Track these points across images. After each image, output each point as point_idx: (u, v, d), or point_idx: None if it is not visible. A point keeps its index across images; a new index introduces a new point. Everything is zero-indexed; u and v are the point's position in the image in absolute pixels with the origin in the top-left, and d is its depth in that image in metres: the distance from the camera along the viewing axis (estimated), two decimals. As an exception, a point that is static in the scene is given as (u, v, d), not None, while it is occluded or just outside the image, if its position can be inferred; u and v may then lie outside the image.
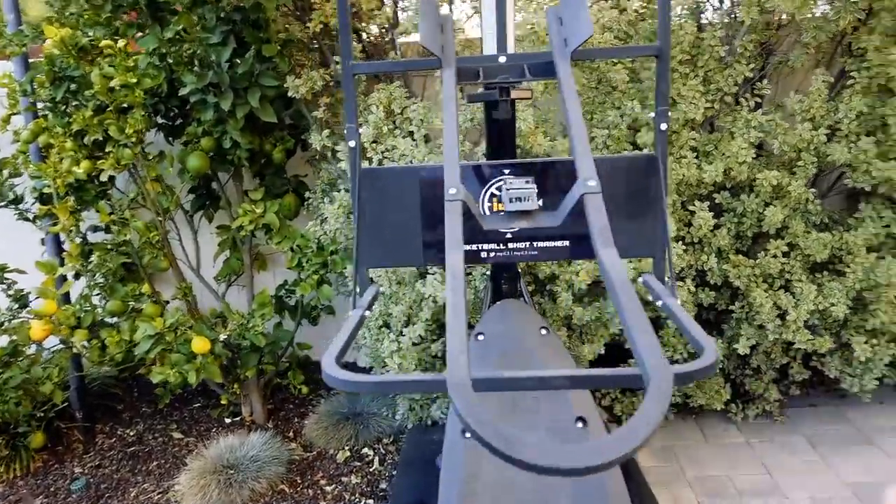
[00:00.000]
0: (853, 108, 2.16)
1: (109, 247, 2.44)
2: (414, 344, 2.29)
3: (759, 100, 2.28)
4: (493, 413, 1.54)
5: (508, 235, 1.20)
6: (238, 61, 2.16)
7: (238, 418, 3.02)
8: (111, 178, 2.32)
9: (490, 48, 1.39)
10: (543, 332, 1.62)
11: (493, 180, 1.20)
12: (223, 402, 2.90)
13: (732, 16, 2.23)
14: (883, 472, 2.29)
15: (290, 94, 2.16)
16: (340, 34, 1.19)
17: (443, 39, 1.14)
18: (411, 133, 2.13)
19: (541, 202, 1.22)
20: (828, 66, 2.39)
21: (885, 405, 2.67)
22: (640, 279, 1.24)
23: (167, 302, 2.74)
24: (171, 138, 2.58)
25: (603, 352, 2.40)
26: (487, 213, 1.15)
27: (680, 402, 2.59)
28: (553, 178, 1.19)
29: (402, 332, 2.31)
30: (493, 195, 1.21)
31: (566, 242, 1.22)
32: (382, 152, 2.12)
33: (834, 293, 2.22)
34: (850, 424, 2.59)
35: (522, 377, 0.72)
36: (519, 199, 0.92)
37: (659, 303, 1.10)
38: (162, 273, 2.80)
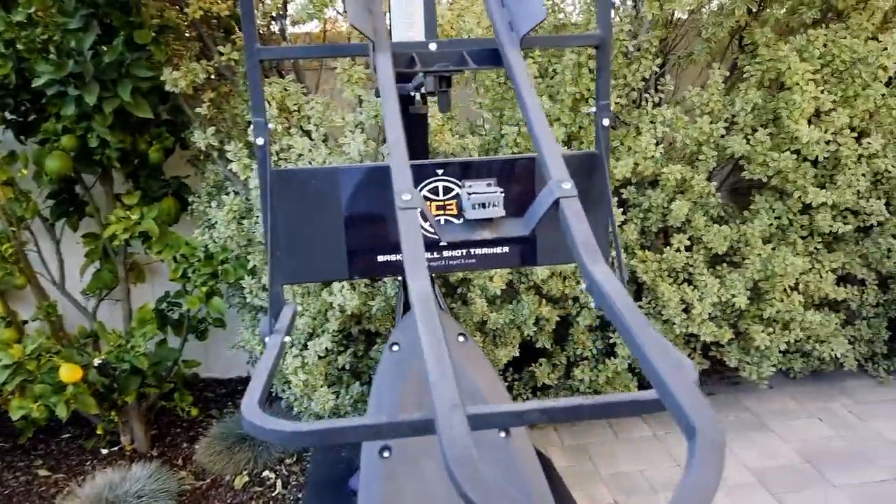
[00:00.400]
0: (749, 101, 2.21)
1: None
2: (320, 357, 2.12)
3: (661, 95, 2.29)
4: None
5: (443, 243, 1.08)
6: (105, 48, 1.88)
7: (116, 448, 2.70)
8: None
9: (401, 34, 1.24)
10: (461, 339, 1.52)
11: (426, 182, 1.07)
12: (98, 431, 2.57)
13: (636, 11, 2.22)
14: (781, 457, 2.38)
15: (167, 87, 1.91)
16: (242, 16, 1.01)
17: (373, 21, 0.98)
18: (308, 132, 1.95)
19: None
20: (722, 60, 2.44)
21: (776, 389, 2.79)
22: (582, 286, 1.16)
23: (25, 322, 2.39)
24: (23, 136, 2.23)
25: (518, 354, 2.34)
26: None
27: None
28: (505, 179, 1.08)
29: (305, 345, 2.13)
30: (426, 199, 1.08)
31: (506, 249, 1.11)
32: (278, 153, 1.92)
33: (735, 285, 2.27)
34: (746, 411, 2.69)
35: (527, 409, 0.60)
36: (483, 205, 0.79)
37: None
38: (19, 290, 2.45)
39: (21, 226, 2.17)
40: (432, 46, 1.10)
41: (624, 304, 0.65)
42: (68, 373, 1.87)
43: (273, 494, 2.43)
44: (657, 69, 2.22)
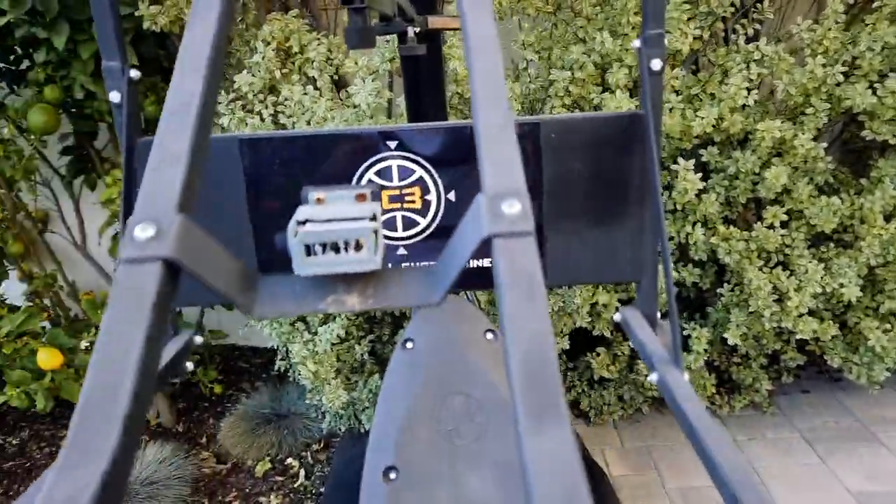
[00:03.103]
0: (877, 38, 1.70)
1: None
2: (333, 345, 1.83)
3: (758, 28, 1.81)
4: (423, 441, 1.14)
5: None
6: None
7: (140, 421, 2.55)
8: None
9: None
10: (490, 336, 1.21)
11: (372, 160, 0.72)
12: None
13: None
14: (893, 478, 1.94)
15: (144, 25, 1.61)
16: None
17: None
18: (313, 79, 1.61)
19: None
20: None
21: (888, 391, 2.31)
22: (617, 316, 0.80)
23: (37, 292, 2.23)
24: (14, 87, 2.01)
25: (568, 346, 1.98)
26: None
27: (657, 395, 2.20)
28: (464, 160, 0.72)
29: (316, 331, 1.84)
30: (380, 187, 0.73)
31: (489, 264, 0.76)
32: (274, 104, 1.60)
33: (844, 272, 1.81)
34: (849, 416, 2.24)
35: None
36: (334, 247, 0.36)
37: (652, 378, 0.66)
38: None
39: (13, 188, 1.97)
40: None
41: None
42: (47, 358, 1.66)
43: (294, 485, 2.21)
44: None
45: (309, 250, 0.36)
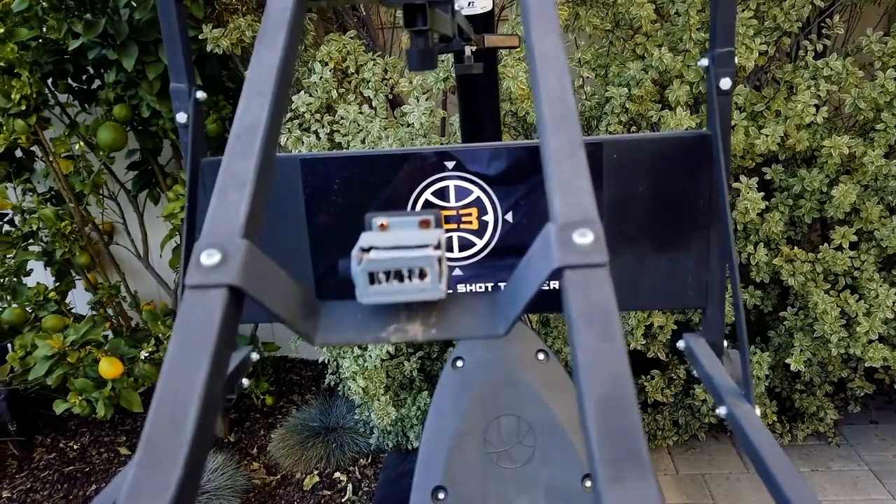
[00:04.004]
0: (955, 52, 1.62)
1: (12, 239, 1.99)
2: (382, 361, 1.84)
3: (826, 43, 1.75)
4: (472, 463, 1.13)
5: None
6: (135, 3, 1.65)
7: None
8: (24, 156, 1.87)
9: None
10: (542, 356, 1.19)
11: (429, 180, 0.72)
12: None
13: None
14: (973, 519, 1.82)
15: (208, 48, 1.65)
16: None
17: None
18: (369, 99, 1.63)
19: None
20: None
21: (967, 423, 2.18)
22: (681, 344, 0.77)
23: (101, 302, 2.30)
24: (86, 105, 2.10)
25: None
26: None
27: (714, 421, 2.12)
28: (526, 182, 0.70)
29: (366, 346, 1.85)
30: (429, 205, 0.73)
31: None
32: (330, 123, 1.62)
33: (919, 297, 1.71)
34: (923, 449, 2.11)
35: None
36: (398, 276, 0.36)
37: (720, 411, 0.63)
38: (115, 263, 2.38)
39: (81, 203, 2.04)
40: None
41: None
42: (108, 367, 1.71)
43: (342, 500, 2.21)
44: (821, 4, 1.68)
45: (373, 278, 0.35)
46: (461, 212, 0.72)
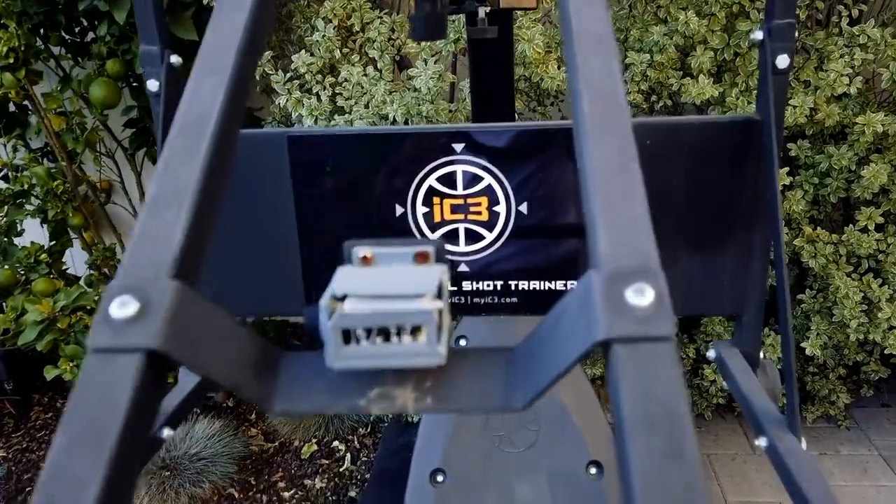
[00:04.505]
0: None
1: (3, 198, 1.92)
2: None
3: (862, 8, 1.63)
4: (472, 446, 1.09)
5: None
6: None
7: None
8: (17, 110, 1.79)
9: None
10: None
11: (434, 164, 0.64)
12: (170, 381, 2.44)
13: None
14: (985, 510, 1.78)
15: (205, 1, 1.55)
16: None
17: None
18: (374, 60, 1.53)
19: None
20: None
21: (982, 410, 2.13)
22: (711, 354, 0.70)
23: (96, 264, 2.24)
24: (79, 59, 2.00)
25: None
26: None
27: (723, 402, 2.07)
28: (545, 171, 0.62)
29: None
30: (430, 198, 0.65)
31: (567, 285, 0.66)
32: (332, 86, 1.53)
33: (946, 283, 1.64)
34: (937, 436, 2.06)
35: None
36: (384, 333, 0.26)
37: (760, 443, 0.56)
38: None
39: (74, 161, 1.97)
40: None
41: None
42: (100, 334, 1.65)
43: (340, 470, 2.19)
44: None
45: (348, 336, 0.27)
46: (469, 200, 0.65)
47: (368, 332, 0.26)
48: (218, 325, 0.25)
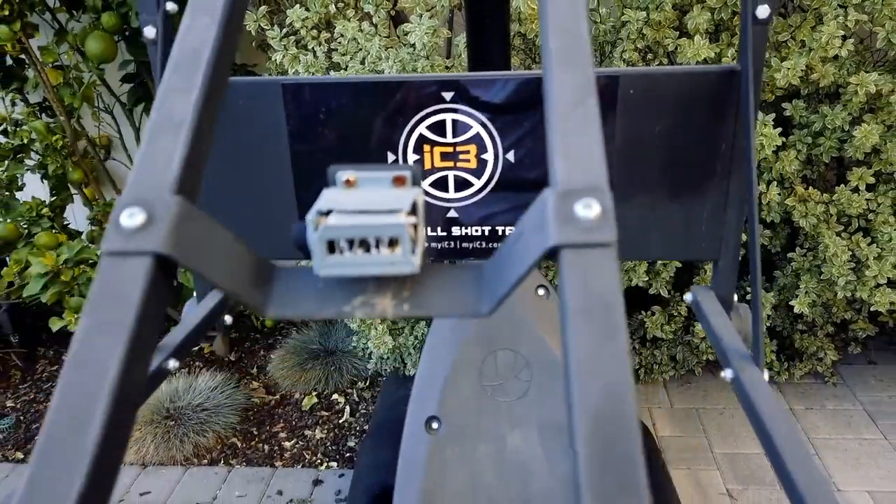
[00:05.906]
0: None
1: (3, 152, 1.93)
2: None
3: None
4: (467, 395, 1.14)
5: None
6: None
7: (195, 349, 2.62)
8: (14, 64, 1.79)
9: None
10: (542, 292, 1.17)
11: (425, 112, 0.66)
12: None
13: None
14: (962, 462, 1.84)
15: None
16: None
17: None
18: (369, 15, 1.53)
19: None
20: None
21: (966, 367, 2.18)
22: (688, 297, 0.73)
23: (97, 219, 2.27)
24: (73, 11, 1.99)
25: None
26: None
27: (713, 358, 2.12)
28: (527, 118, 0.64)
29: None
30: (421, 146, 0.67)
31: None
32: (328, 41, 1.53)
33: (933, 242, 1.67)
34: (919, 392, 2.12)
35: None
36: (364, 244, 0.30)
37: (726, 374, 0.59)
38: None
39: (73, 116, 1.98)
40: None
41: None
42: (103, 287, 1.69)
43: (339, 421, 2.25)
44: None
45: (333, 247, 0.30)
46: (459, 148, 0.67)
47: (350, 243, 0.29)
48: (218, 236, 0.28)
